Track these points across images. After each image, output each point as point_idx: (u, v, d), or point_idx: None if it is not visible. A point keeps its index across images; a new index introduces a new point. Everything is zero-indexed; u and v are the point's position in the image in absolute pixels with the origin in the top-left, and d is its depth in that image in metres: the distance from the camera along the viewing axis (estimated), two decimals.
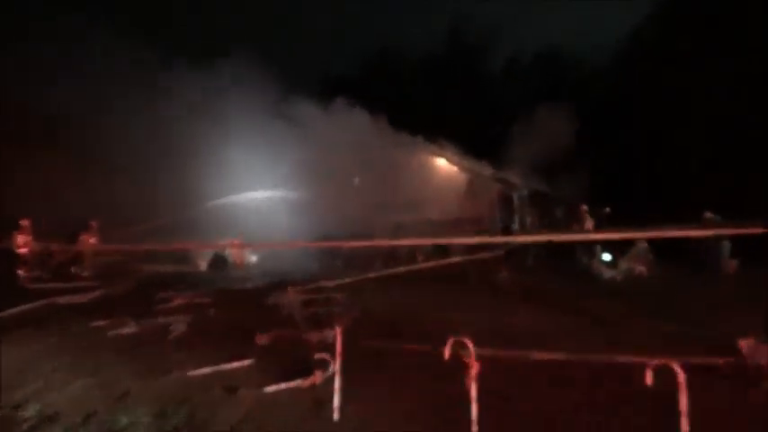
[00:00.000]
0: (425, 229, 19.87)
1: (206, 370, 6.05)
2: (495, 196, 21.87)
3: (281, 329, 7.55)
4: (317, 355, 5.57)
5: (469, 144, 22.34)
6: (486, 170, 21.95)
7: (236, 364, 6.24)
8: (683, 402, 3.68)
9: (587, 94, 25.53)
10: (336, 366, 4.98)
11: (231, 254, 19.87)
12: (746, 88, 18.26)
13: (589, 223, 16.70)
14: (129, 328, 8.34)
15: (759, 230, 8.67)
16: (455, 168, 22.79)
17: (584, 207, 16.97)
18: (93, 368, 6.33)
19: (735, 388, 5.19)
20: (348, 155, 19.55)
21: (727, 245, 14.18)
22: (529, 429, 4.58)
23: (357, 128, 20.53)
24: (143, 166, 18.55)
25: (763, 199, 14.23)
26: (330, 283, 12.44)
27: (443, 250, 17.86)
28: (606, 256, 15.26)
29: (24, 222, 15.15)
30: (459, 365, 4.35)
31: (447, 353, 4.53)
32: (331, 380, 5.00)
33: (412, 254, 18.54)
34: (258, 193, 21.26)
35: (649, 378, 3.80)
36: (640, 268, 14.26)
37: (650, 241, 14.14)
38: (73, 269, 16.04)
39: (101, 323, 8.65)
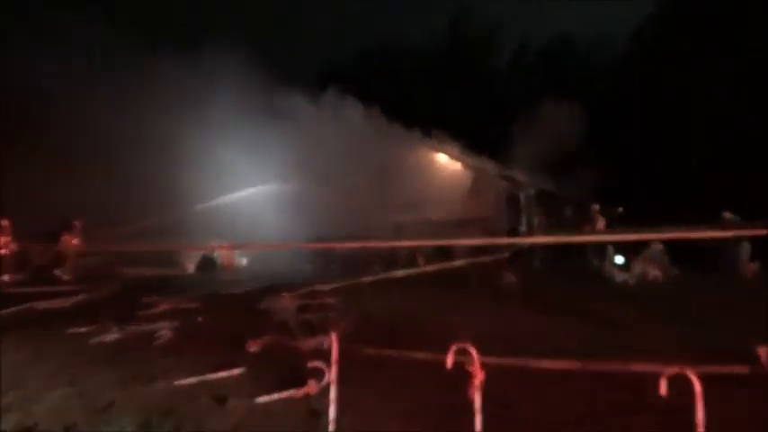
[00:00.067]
0: (426, 229, 19.88)
1: (193, 379, 6.03)
2: (501, 195, 21.89)
3: (273, 336, 7.52)
4: (312, 364, 5.55)
5: (473, 140, 22.39)
6: (491, 167, 21.97)
7: (225, 373, 6.21)
8: (700, 414, 3.66)
9: (593, 89, 25.86)
10: (332, 375, 4.96)
11: (220, 256, 19.87)
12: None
13: (600, 223, 16.72)
14: (113, 335, 8.31)
15: (763, 232, 8.76)
16: (458, 165, 22.82)
17: (596, 206, 16.98)
18: (75, 377, 6.31)
19: (754, 398, 5.18)
20: (344, 151, 19.55)
21: (746, 247, 14.20)
22: None
23: (352, 121, 20.55)
24: (128, 164, 18.54)
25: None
26: (325, 287, 12.45)
27: (446, 252, 17.87)
28: (619, 259, 15.27)
29: (4, 222, 15.13)
30: (461, 374, 4.34)
31: (449, 361, 4.52)
32: (326, 390, 4.98)
33: (412, 256, 18.54)
34: (249, 192, 21.26)
35: (664, 388, 3.78)
36: (655, 271, 14.26)
37: (666, 243, 14.16)
38: (54, 272, 16.02)
39: (83, 329, 8.62)
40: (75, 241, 16.91)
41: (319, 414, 4.89)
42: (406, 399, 5.40)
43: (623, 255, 15.28)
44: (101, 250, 17.13)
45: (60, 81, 17.96)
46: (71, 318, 9.67)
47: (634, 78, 24.58)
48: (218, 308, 10.83)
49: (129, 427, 4.88)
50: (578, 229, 17.46)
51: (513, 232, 20.55)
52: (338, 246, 18.35)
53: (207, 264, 19.44)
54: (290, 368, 5.99)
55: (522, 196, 21.47)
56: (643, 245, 14.45)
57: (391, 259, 18.30)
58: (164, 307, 10.56)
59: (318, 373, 5.42)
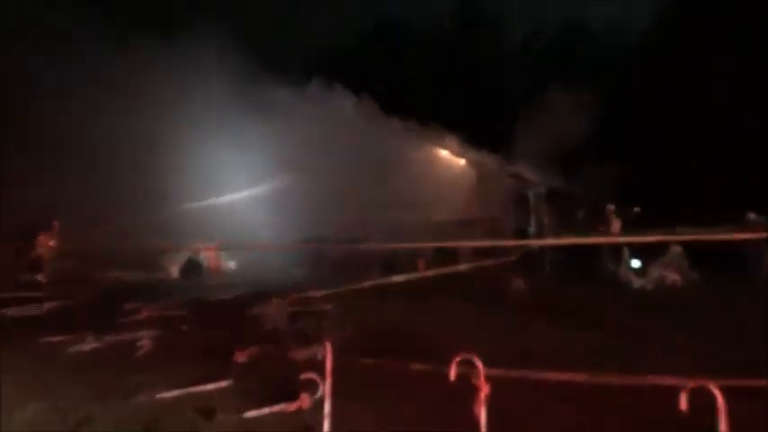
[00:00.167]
0: (428, 231, 19.85)
1: (177, 392, 6.03)
2: (508, 194, 21.88)
3: (263, 346, 7.53)
4: (304, 376, 5.55)
5: (478, 134, 22.37)
6: (497, 163, 21.94)
7: (211, 386, 6.22)
8: (723, 430, 3.67)
9: (608, 78, 26.42)
10: (326, 388, 4.97)
11: (206, 258, 19.86)
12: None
13: (616, 225, 16.73)
14: (90, 344, 8.31)
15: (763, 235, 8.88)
16: (462, 162, 22.80)
17: (611, 207, 16.99)
18: (49, 390, 6.31)
19: None
20: (338, 146, 19.53)
21: None
22: None
23: (347, 114, 20.52)
24: (107, 161, 18.50)
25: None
26: (319, 293, 12.44)
27: (448, 256, 17.85)
28: (635, 263, 15.29)
29: None
30: (466, 387, 4.35)
31: (452, 373, 4.52)
32: (320, 403, 4.99)
33: (412, 260, 18.52)
34: (237, 190, 21.23)
35: (684, 402, 3.79)
36: (673, 276, 14.28)
37: (685, 245, 14.18)
38: (29, 275, 15.98)
39: (57, 338, 8.62)
40: (52, 243, 16.86)
41: (312, 430, 4.89)
42: (405, 414, 5.40)
43: (640, 258, 15.30)
44: (80, 252, 17.10)
45: (36, 74, 17.96)
46: (46, 326, 9.66)
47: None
48: (204, 315, 10.84)
49: None
50: (592, 231, 17.46)
51: (522, 234, 20.55)
52: (332, 248, 18.33)
53: (192, 267, 19.40)
54: (281, 380, 6.00)
55: (531, 195, 21.46)
56: (661, 248, 14.47)
57: (389, 263, 18.27)
58: (145, 314, 10.51)
59: (312, 386, 5.42)
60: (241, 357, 7.09)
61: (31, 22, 18.66)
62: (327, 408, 4.81)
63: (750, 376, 5.68)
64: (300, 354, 7.08)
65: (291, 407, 5.40)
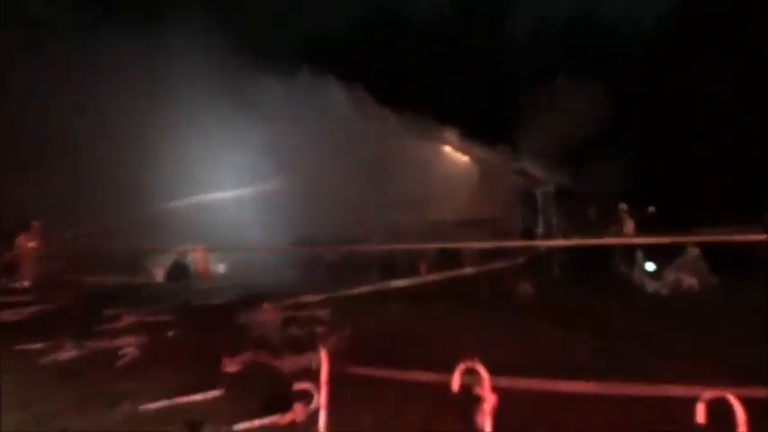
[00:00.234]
0: (429, 232, 19.84)
1: (163, 403, 6.03)
2: (514, 193, 21.89)
3: (254, 354, 7.53)
4: (298, 386, 5.56)
5: (480, 128, 22.34)
6: (503, 161, 21.94)
7: (199, 396, 6.22)
8: None
9: (620, 70, 26.94)
10: (321, 399, 4.97)
11: (193, 261, 19.82)
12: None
13: (629, 225, 16.74)
14: (70, 352, 8.31)
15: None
16: (465, 159, 22.79)
17: (624, 206, 17.00)
18: (27, 400, 6.31)
19: None
20: (332, 140, 19.51)
21: None
22: None
23: (341, 106, 20.48)
24: (89, 158, 18.46)
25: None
26: (313, 298, 12.44)
27: (452, 258, 17.85)
28: (650, 266, 15.29)
29: None
30: (470, 398, 4.35)
31: (456, 383, 4.52)
32: (315, 415, 4.99)
33: (412, 262, 18.51)
34: (226, 189, 21.18)
35: (701, 414, 3.79)
36: (690, 280, 14.27)
37: (703, 247, 14.17)
38: (5, 279, 15.95)
39: (36, 346, 8.61)
40: (31, 244, 16.82)
41: None
42: (406, 426, 5.40)
43: (655, 261, 15.30)
44: (61, 253, 17.07)
45: (14, 71, 17.96)
46: (23, 333, 9.64)
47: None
48: (191, 321, 10.81)
49: None
50: (604, 232, 17.46)
51: (529, 235, 20.57)
52: (330, 249, 18.32)
53: (178, 270, 19.34)
54: (273, 390, 6.00)
55: (538, 194, 21.48)
56: (678, 249, 14.46)
57: (388, 266, 18.25)
58: (129, 320, 10.53)
59: (306, 397, 5.43)
60: (231, 366, 7.09)
61: (7, 17, 18.59)
62: (323, 420, 4.81)
63: (765, 384, 5.69)
64: (294, 362, 7.07)
65: (284, 419, 5.38)
